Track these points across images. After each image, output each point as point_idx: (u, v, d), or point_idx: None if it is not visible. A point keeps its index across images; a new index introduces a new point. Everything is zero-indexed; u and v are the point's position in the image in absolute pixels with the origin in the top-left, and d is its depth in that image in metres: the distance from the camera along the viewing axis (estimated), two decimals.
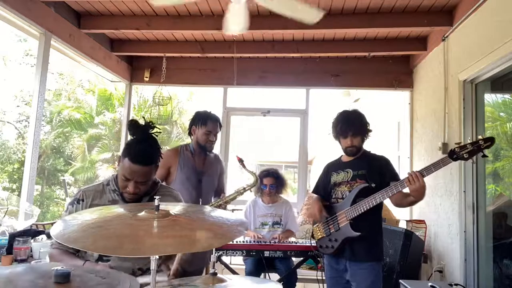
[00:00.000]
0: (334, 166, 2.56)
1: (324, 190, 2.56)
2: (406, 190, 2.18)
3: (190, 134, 2.85)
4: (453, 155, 2.07)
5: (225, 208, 2.72)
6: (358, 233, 2.26)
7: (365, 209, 2.25)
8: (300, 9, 2.45)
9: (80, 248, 1.07)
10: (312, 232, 2.55)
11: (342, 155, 2.57)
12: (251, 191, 2.93)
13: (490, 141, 2.01)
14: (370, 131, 2.47)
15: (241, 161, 2.86)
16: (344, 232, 2.31)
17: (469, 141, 2.07)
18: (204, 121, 2.74)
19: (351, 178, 2.40)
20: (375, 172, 2.36)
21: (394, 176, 2.36)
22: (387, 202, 2.44)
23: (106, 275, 1.12)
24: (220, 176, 2.98)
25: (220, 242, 1.13)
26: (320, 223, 2.49)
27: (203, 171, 2.76)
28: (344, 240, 2.31)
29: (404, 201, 2.28)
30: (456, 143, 2.10)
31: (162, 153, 1.72)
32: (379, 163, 2.43)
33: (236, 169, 3.15)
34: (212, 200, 2.83)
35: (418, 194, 2.12)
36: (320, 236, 2.47)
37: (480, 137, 2.05)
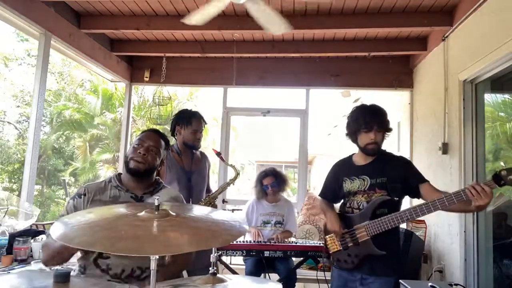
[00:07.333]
0: (345, 170, 2.26)
1: (333, 195, 2.33)
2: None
3: (173, 134, 2.77)
4: (500, 180, 1.76)
5: (213, 206, 2.69)
6: (383, 252, 2.04)
7: (391, 227, 2.02)
8: (273, 19, 2.47)
9: (80, 247, 1.07)
10: (326, 243, 2.30)
11: (353, 155, 2.29)
12: (233, 184, 2.90)
13: None
14: (391, 130, 2.17)
15: (219, 154, 2.86)
16: (365, 248, 2.10)
17: None
18: (189, 120, 2.68)
19: (368, 187, 2.12)
20: (397, 178, 2.10)
21: (421, 179, 2.10)
22: None
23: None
24: (208, 171, 2.94)
25: (220, 243, 1.13)
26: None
27: (191, 171, 2.70)
28: (365, 256, 2.11)
29: (461, 210, 1.99)
30: (504, 168, 1.75)
31: None
32: (400, 166, 2.16)
33: (228, 167, 3.07)
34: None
35: (484, 206, 1.81)
36: (335, 249, 2.23)
37: None
